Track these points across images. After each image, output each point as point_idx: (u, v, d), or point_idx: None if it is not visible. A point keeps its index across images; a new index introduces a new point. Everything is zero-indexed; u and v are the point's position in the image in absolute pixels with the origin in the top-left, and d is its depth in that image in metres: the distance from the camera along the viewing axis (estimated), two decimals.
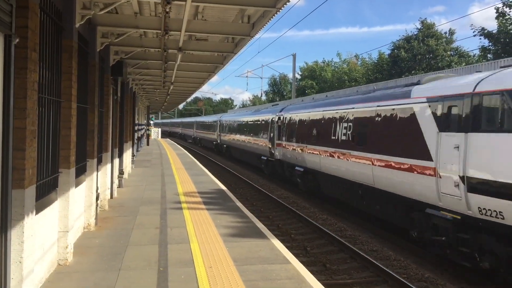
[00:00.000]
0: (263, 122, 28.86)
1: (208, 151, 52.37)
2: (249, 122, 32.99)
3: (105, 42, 12.06)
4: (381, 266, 10.63)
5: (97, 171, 11.83)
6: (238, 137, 36.53)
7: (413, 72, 46.68)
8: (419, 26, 52.11)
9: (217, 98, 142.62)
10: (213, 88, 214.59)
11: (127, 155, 21.36)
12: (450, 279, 10.29)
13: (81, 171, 9.94)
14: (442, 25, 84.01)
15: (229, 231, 10.68)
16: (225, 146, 43.49)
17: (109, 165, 13.92)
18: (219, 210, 13.26)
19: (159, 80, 22.92)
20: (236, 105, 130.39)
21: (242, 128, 35.18)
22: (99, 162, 12.44)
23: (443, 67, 45.70)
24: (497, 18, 38.94)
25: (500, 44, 38.86)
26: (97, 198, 11.36)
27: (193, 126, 70.77)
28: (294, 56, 47.64)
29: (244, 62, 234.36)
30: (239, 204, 14.46)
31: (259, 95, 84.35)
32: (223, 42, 14.91)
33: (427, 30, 50.78)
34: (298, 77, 70.76)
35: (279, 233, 13.85)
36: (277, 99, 77.55)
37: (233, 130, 39.25)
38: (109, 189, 14.18)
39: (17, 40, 5.70)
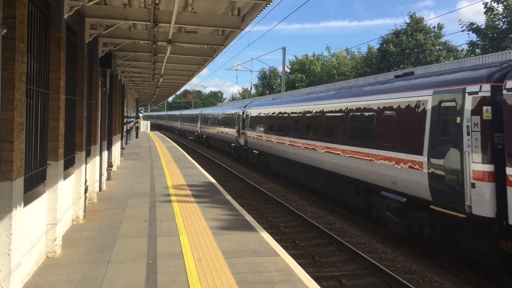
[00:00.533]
0: (388, 112, 12.98)
1: (199, 145, 52.06)
2: (331, 114, 16.77)
3: (94, 33, 11.97)
4: (369, 258, 10.72)
5: (86, 164, 11.77)
6: (295, 142, 20.24)
7: (401, 66, 46.88)
8: (408, 21, 52.30)
9: (207, 91, 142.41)
10: (203, 81, 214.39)
11: (116, 147, 21.25)
12: (436, 271, 10.40)
13: (69, 164, 9.89)
14: (431, 20, 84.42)
15: (218, 223, 10.69)
16: (256, 152, 27.84)
17: (97, 158, 13.85)
18: (208, 203, 13.27)
19: (148, 72, 22.81)
20: (226, 98, 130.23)
21: (310, 126, 18.95)
22: (88, 154, 12.37)
23: (431, 61, 45.95)
24: (485, 13, 39.18)
25: (488, 39, 39.12)
26: (85, 191, 11.31)
27: (198, 120, 53.46)
28: (284, 49, 47.68)
29: (234, 55, 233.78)
30: (228, 197, 14.47)
31: (249, 88, 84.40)
32: (213, 35, 14.86)
33: (415, 25, 50.95)
34: (288, 70, 70.73)
35: (268, 226, 13.90)
36: (267, 92, 77.46)
37: (278, 129, 23.16)
38: (98, 182, 14.11)
39: (5, 30, 5.65)
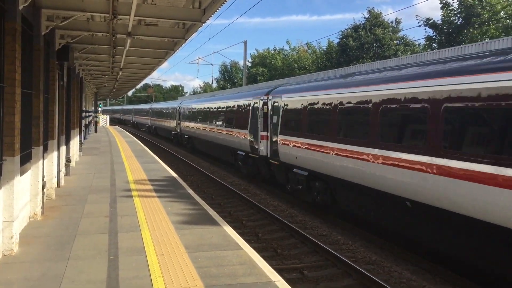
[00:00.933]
0: None
1: (161, 139, 51.36)
2: None
3: (50, 25, 11.64)
4: (330, 250, 10.89)
5: (43, 159, 11.48)
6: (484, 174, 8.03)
7: (360, 60, 47.63)
8: (366, 16, 53.20)
9: (167, 85, 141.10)
10: (163, 75, 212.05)
11: (75, 142, 20.80)
12: (396, 261, 10.66)
13: (26, 159, 9.62)
14: (389, 15, 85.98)
15: (180, 218, 10.64)
16: (302, 175, 15.77)
17: (55, 153, 13.53)
18: (171, 197, 13.17)
19: (107, 65, 22.38)
20: (187, 92, 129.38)
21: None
22: (45, 149, 12.07)
23: (389, 55, 46.85)
24: (441, 8, 40.27)
25: (444, 34, 40.20)
26: (43, 187, 11.04)
27: (175, 115, 41.55)
28: (245, 43, 47.66)
29: (194, 49, 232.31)
30: (190, 191, 14.40)
31: (210, 82, 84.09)
32: (173, 28, 14.69)
33: (374, 20, 51.86)
34: (249, 64, 70.75)
35: (230, 220, 13.93)
36: (228, 86, 77.34)
37: (393, 136, 11.03)
38: (56, 178, 13.79)
39: None
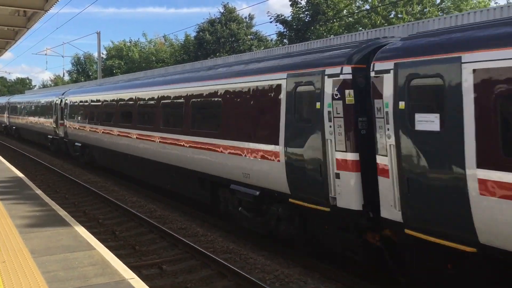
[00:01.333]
0: None
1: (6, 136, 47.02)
2: None
3: None
4: (189, 243, 10.93)
5: None
6: None
7: (217, 54, 48.30)
8: (222, 10, 54.03)
9: (13, 77, 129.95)
10: (7, 67, 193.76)
11: None
12: (252, 248, 11.04)
13: None
14: (243, 10, 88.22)
15: (26, 221, 9.87)
16: None
17: None
18: (16, 199, 12.15)
19: None
20: (35, 85, 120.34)
21: None
22: None
23: (244, 50, 48.14)
24: (291, 5, 42.35)
25: (294, 30, 42.31)
26: None
27: (55, 112, 28.27)
28: (98, 34, 45.75)
29: (42, 38, 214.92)
30: (39, 191, 13.43)
31: (62, 75, 79.20)
32: (13, 16, 13.56)
33: (229, 14, 52.87)
34: (104, 56, 67.93)
35: (85, 220, 13.34)
36: (82, 79, 73.54)
37: None
38: None
39: None
